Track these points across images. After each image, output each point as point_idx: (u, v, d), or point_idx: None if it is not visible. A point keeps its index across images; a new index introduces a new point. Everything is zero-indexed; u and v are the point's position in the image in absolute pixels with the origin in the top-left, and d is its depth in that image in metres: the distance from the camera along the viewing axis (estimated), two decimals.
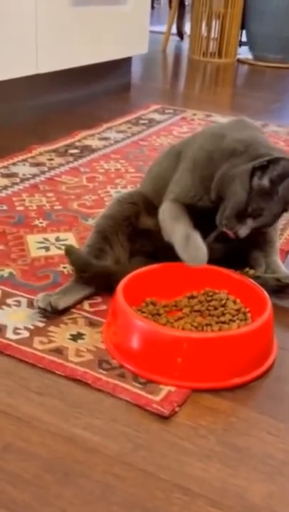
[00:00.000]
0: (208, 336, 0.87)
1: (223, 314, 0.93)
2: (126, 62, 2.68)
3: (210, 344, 0.83)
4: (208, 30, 3.77)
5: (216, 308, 0.95)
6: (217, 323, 0.92)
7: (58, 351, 0.87)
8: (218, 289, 0.99)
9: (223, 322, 0.92)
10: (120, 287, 0.92)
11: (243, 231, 0.97)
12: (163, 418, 0.77)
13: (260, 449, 0.73)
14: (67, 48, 2.13)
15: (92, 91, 2.43)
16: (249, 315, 0.93)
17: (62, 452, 0.71)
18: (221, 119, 2.27)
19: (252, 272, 1.02)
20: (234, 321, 0.92)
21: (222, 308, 0.95)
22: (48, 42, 2.01)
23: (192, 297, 0.99)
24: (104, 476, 0.68)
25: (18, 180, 1.51)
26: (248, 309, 0.94)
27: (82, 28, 2.17)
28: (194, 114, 2.32)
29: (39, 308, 0.94)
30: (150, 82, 3.10)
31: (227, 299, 0.97)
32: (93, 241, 1.06)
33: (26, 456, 0.70)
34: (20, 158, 1.67)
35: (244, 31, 3.98)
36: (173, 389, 0.81)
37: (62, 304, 0.95)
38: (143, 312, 0.94)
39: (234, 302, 0.96)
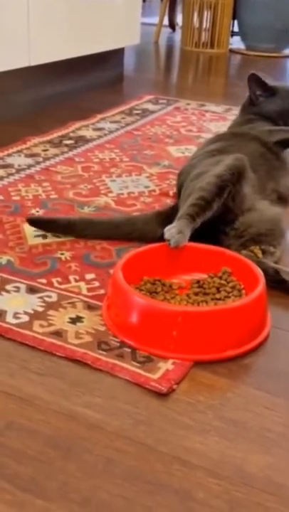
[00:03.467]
0: (201, 310, 0.89)
1: (219, 291, 0.95)
2: (118, 53, 2.69)
3: (203, 318, 0.86)
4: (200, 21, 3.78)
5: (213, 287, 0.97)
6: (212, 299, 0.94)
7: (58, 334, 0.89)
8: (214, 267, 1.00)
9: (219, 299, 0.94)
10: (119, 265, 0.94)
11: None
12: (161, 395, 0.78)
13: (257, 423, 0.75)
14: (60, 40, 2.14)
15: (85, 83, 2.44)
16: (244, 292, 0.95)
17: (65, 429, 0.72)
18: (215, 109, 2.29)
19: (259, 252, 1.03)
20: (229, 297, 0.94)
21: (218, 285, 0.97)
22: (40, 34, 2.02)
23: (198, 282, 0.99)
24: (106, 451, 0.70)
25: (13, 171, 1.53)
26: (242, 286, 0.96)
27: (74, 19, 2.18)
28: (188, 104, 2.33)
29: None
30: (143, 73, 3.11)
31: (228, 280, 0.98)
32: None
33: (29, 433, 0.71)
34: (16, 149, 1.68)
35: (236, 21, 3.99)
36: (171, 367, 0.83)
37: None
38: (141, 290, 0.95)
39: (231, 280, 0.98)
